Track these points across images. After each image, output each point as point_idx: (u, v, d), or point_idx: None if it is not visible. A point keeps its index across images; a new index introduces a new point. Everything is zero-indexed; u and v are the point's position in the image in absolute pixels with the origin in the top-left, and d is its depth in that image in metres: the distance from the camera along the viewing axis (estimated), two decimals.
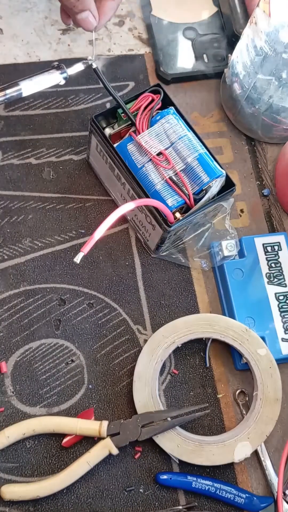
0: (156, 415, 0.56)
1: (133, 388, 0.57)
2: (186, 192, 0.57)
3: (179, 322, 0.60)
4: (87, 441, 0.56)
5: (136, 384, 0.57)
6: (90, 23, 0.59)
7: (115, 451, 0.54)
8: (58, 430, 0.55)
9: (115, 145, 0.59)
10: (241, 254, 0.64)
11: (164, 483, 0.56)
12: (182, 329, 0.59)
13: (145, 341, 0.61)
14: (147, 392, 0.57)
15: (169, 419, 0.56)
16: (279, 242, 0.65)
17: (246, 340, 0.59)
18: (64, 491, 0.55)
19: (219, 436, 0.58)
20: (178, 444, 0.55)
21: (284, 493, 0.56)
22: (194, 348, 0.61)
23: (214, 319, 0.60)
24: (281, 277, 0.63)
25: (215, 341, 0.61)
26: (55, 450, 0.56)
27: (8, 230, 0.63)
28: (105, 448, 0.54)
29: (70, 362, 0.59)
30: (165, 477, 0.56)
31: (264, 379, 0.58)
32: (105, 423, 0.55)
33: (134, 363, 0.60)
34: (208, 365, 0.61)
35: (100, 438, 0.55)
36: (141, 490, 0.56)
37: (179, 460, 0.56)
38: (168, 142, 0.58)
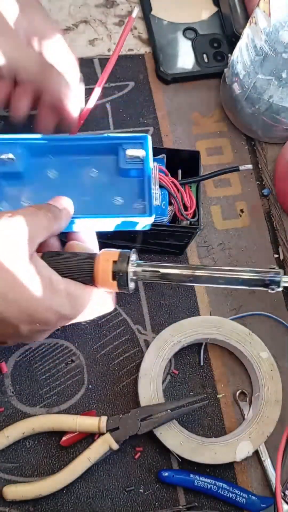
0: (155, 408, 0.56)
1: (138, 385, 0.57)
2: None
3: (185, 323, 0.60)
4: (87, 441, 0.56)
5: (141, 381, 0.57)
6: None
7: (115, 446, 0.54)
8: (57, 428, 0.55)
9: None
10: None
11: (165, 481, 0.56)
12: (188, 330, 0.59)
13: (145, 341, 0.61)
14: (152, 388, 0.57)
15: (168, 411, 0.56)
16: None
17: (249, 343, 0.60)
18: (64, 491, 0.55)
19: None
20: (181, 441, 0.56)
21: (284, 493, 0.56)
22: (194, 349, 0.61)
23: (219, 321, 0.60)
24: None
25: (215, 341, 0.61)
26: (55, 450, 0.56)
27: None
28: (105, 443, 0.54)
29: (70, 362, 0.59)
30: (167, 474, 0.55)
31: (266, 381, 0.58)
32: (104, 418, 0.55)
33: (134, 363, 0.60)
34: (202, 364, 0.61)
35: (100, 436, 0.55)
36: (141, 490, 0.56)
37: (180, 460, 0.56)
38: None
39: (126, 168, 0.55)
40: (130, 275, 0.46)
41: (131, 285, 0.47)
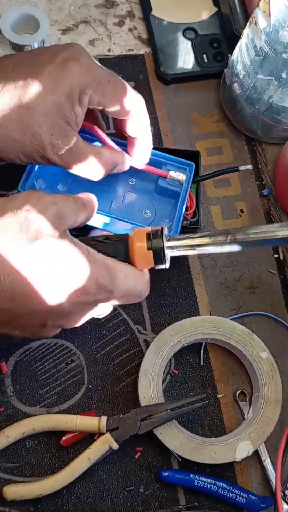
0: (155, 408, 0.56)
1: (138, 384, 0.57)
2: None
3: (186, 322, 0.60)
4: (87, 441, 0.56)
5: (141, 381, 0.57)
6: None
7: (115, 446, 0.54)
8: (57, 428, 0.55)
9: None
10: None
11: (166, 480, 0.55)
12: (188, 329, 0.60)
13: (145, 341, 0.61)
14: (152, 388, 0.57)
15: (168, 411, 0.56)
16: None
17: (249, 343, 0.60)
18: (64, 491, 0.55)
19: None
20: (181, 441, 0.56)
21: (284, 493, 0.56)
22: (194, 349, 0.61)
23: (219, 321, 0.60)
24: None
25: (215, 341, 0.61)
26: (55, 450, 0.56)
27: None
28: (105, 443, 0.54)
29: (70, 362, 0.59)
30: (167, 474, 0.55)
31: (266, 381, 0.59)
32: (104, 418, 0.55)
33: (134, 363, 0.60)
34: (202, 364, 0.61)
35: (100, 436, 0.55)
36: (141, 490, 0.56)
37: (180, 460, 0.56)
38: None
39: (164, 187, 0.57)
40: (166, 250, 0.46)
41: (168, 260, 0.46)
